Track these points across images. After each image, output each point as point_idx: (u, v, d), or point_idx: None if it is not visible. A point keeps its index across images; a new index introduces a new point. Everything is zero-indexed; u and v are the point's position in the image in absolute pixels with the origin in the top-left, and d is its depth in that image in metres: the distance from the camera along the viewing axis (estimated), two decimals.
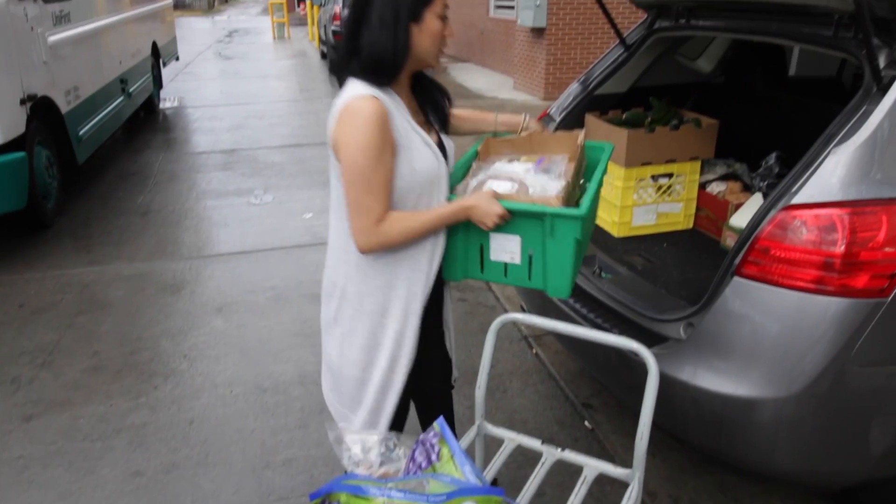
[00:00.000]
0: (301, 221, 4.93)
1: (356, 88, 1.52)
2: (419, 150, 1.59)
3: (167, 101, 9.59)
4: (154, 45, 8.39)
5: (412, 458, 1.17)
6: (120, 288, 3.89)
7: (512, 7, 10.71)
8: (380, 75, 1.53)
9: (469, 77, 11.87)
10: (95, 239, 4.61)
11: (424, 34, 1.54)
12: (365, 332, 1.71)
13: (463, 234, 1.69)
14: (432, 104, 1.75)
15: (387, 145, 1.51)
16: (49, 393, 2.92)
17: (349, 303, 1.71)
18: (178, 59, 10.68)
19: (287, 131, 7.78)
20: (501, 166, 1.87)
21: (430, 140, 1.63)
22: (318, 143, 7.21)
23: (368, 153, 1.48)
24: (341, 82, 1.59)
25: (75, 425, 2.70)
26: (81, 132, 5.20)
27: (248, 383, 2.97)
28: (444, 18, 1.56)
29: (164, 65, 9.27)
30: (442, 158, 1.65)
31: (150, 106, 8.52)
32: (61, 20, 4.99)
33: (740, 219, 2.60)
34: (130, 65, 6.98)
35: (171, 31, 9.90)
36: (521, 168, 1.85)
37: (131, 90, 6.91)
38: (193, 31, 21.37)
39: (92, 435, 2.65)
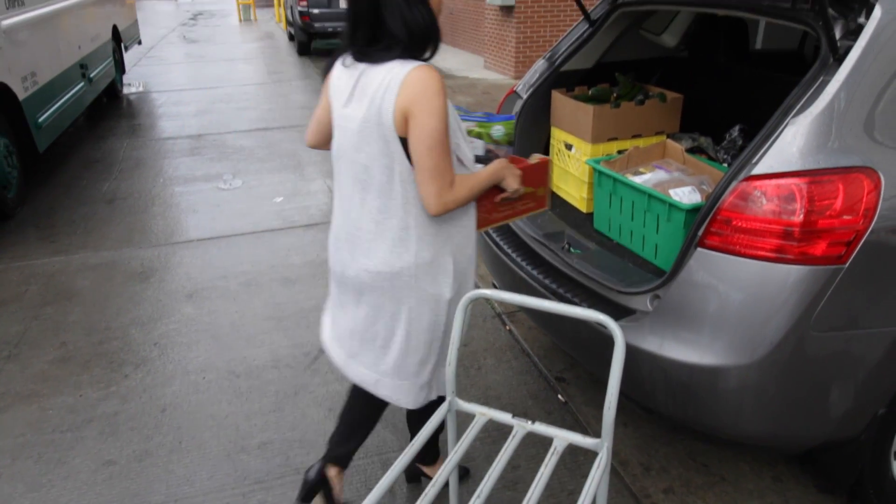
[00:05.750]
0: (271, 206, 4.88)
1: (405, 64, 1.57)
2: (454, 115, 1.71)
3: (131, 87, 9.37)
4: (115, 29, 8.17)
5: None
6: (86, 277, 3.82)
7: None
8: (425, 51, 1.62)
9: (439, 57, 11.77)
10: (59, 228, 4.52)
11: (431, 8, 1.62)
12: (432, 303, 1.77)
13: None
14: None
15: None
16: (16, 385, 2.87)
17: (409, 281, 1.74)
18: (140, 42, 10.42)
19: (255, 115, 7.66)
20: (651, 177, 2.39)
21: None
22: (288, 126, 7.12)
23: (444, 118, 1.57)
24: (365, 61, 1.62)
25: (44, 417, 2.67)
26: (41, 119, 5.06)
27: (220, 369, 2.95)
28: None
29: (126, 49, 9.04)
30: None
31: (112, 91, 8.33)
32: (15, 4, 4.83)
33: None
34: (90, 49, 6.80)
35: (132, 14, 9.64)
36: (658, 176, 2.40)
37: (92, 75, 6.74)
38: (157, 15, 20.86)
39: (61, 426, 2.61)
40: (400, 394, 1.89)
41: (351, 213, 1.74)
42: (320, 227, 4.49)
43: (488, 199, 1.85)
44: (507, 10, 9.28)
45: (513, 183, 1.82)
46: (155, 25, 17.26)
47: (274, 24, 17.97)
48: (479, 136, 2.00)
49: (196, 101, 8.41)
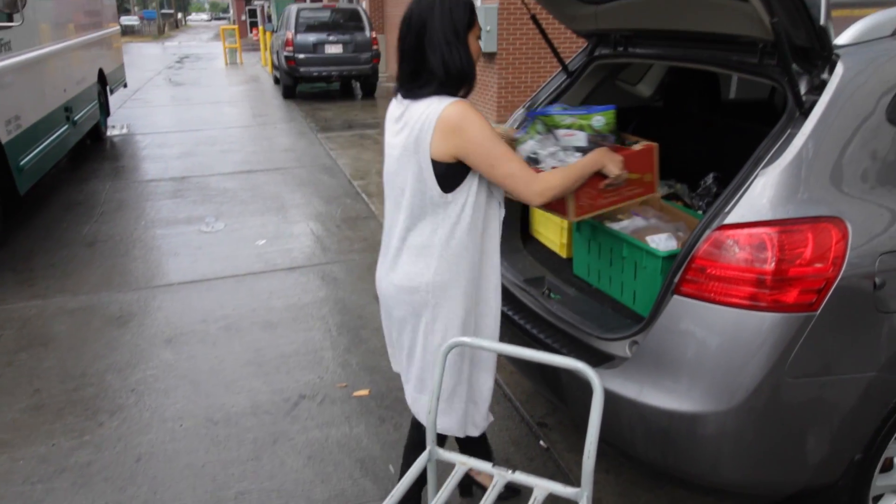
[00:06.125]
0: (253, 248, 4.87)
1: (441, 100, 1.75)
2: None
3: (115, 129, 9.40)
4: (101, 72, 8.23)
5: None
6: (63, 322, 3.77)
7: None
8: (460, 89, 1.80)
9: None
10: (38, 272, 4.47)
11: (471, 53, 1.82)
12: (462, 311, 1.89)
13: None
14: None
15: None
16: None
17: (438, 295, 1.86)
18: (126, 85, 10.50)
19: (240, 157, 7.71)
20: (628, 224, 2.39)
21: None
22: (272, 169, 7.16)
23: (488, 136, 1.74)
24: (410, 97, 1.82)
25: (14, 468, 2.59)
26: (23, 162, 5.04)
27: (198, 416, 2.90)
28: (478, 39, 1.86)
29: (112, 92, 9.10)
30: None
31: (96, 134, 8.34)
32: (1, 49, 4.87)
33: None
34: (75, 92, 6.83)
35: (118, 58, 9.74)
36: (635, 223, 2.39)
37: (76, 118, 6.76)
38: (143, 58, 21.07)
39: (32, 477, 2.54)
40: (420, 410, 1.99)
41: (386, 230, 1.95)
42: (302, 270, 4.48)
43: (592, 186, 1.90)
44: (488, 56, 9.50)
45: (614, 169, 1.91)
46: (141, 68, 17.42)
47: (260, 67, 18.22)
48: (580, 128, 2.04)
49: (180, 144, 8.45)
